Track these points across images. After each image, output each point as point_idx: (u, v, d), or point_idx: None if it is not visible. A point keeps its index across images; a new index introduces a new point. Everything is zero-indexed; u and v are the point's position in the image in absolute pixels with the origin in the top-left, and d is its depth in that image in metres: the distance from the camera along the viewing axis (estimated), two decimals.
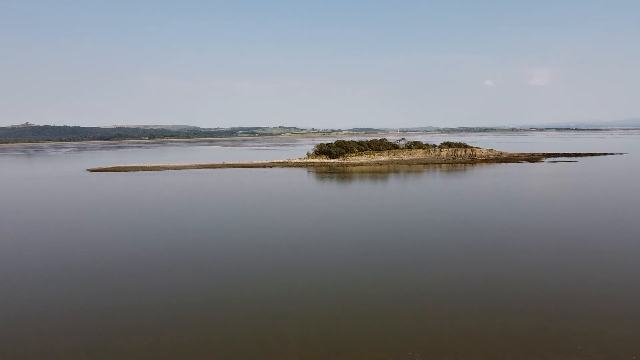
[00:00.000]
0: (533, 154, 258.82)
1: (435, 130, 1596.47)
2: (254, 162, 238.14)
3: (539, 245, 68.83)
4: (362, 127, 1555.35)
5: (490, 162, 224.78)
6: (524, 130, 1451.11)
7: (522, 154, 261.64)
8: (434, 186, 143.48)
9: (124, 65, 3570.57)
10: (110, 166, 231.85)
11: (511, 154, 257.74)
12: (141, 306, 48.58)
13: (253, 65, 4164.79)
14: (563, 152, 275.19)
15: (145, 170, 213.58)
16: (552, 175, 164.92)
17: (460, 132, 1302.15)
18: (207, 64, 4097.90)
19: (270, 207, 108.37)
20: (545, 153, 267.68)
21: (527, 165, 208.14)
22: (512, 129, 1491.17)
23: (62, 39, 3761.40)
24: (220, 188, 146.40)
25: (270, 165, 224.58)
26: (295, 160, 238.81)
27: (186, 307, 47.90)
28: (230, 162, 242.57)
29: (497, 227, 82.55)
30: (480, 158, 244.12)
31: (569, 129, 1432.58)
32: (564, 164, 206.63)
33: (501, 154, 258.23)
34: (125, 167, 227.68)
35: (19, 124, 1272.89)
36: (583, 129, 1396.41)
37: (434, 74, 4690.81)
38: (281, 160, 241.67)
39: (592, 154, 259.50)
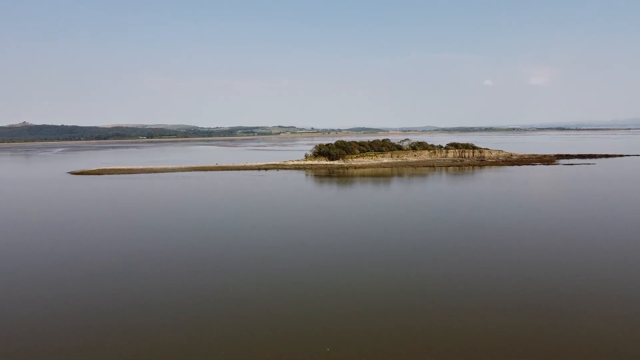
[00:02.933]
0: (545, 156, 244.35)
1: (435, 130, 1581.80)
2: (249, 164, 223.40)
3: (548, 248, 68.00)
4: (362, 126, 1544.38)
5: (500, 165, 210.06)
6: (524, 129, 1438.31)
7: (533, 155, 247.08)
8: (443, 192, 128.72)
9: (123, 64, 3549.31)
10: (94, 168, 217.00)
11: (522, 156, 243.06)
12: (140, 307, 48.16)
13: (252, 64, 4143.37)
14: (576, 153, 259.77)
15: (131, 173, 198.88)
16: (575, 180, 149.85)
17: (460, 131, 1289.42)
18: (206, 63, 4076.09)
19: (267, 209, 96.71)
20: (557, 154, 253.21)
21: (541, 168, 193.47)
22: (513, 129, 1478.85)
23: (61, 38, 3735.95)
24: (206, 194, 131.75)
25: (266, 168, 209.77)
26: (292, 163, 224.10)
27: (185, 308, 47.49)
28: (224, 164, 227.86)
29: (504, 229, 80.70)
30: (489, 160, 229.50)
31: (569, 129, 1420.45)
32: (581, 167, 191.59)
33: (511, 155, 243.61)
34: (110, 169, 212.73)
35: (16, 123, 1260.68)
36: (584, 129, 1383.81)
37: (433, 74, 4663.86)
38: (277, 162, 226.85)
39: (607, 156, 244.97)
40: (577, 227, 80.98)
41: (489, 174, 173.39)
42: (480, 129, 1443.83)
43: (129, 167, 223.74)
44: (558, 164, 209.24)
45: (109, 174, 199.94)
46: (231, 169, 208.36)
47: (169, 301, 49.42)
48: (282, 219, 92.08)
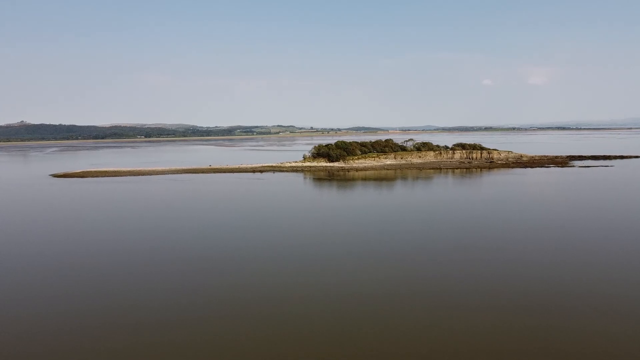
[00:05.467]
0: (557, 157, 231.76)
1: (434, 130, 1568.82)
2: (244, 165, 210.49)
3: (552, 249, 67.43)
4: (361, 126, 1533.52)
5: (511, 167, 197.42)
6: (525, 129, 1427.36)
7: (544, 156, 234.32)
8: (453, 196, 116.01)
9: (122, 63, 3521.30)
10: (78, 171, 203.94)
11: (532, 157, 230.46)
12: (140, 307, 47.72)
13: (252, 64, 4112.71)
14: (589, 154, 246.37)
15: (117, 176, 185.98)
16: (605, 181, 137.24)
17: (460, 131, 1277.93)
18: (205, 62, 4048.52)
19: (266, 211, 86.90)
20: (569, 155, 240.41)
21: (556, 170, 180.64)
22: (513, 128, 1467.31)
23: (59, 37, 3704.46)
24: (193, 201, 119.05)
25: (262, 170, 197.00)
26: (290, 164, 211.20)
27: (184, 308, 47.17)
28: (217, 166, 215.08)
29: (510, 230, 71.27)
30: (499, 162, 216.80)
31: (570, 128, 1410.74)
32: (599, 169, 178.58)
33: (521, 156, 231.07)
34: (95, 171, 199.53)
35: (14, 122, 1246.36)
36: (584, 128, 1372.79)
37: (432, 73, 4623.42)
38: (274, 164, 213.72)
39: (622, 157, 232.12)
40: (580, 228, 79.84)
41: (501, 177, 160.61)
42: (480, 129, 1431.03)
43: (116, 169, 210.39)
44: (573, 165, 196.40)
45: (93, 176, 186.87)
46: (225, 171, 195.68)
47: (169, 301, 49.14)
48: (282, 220, 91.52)
